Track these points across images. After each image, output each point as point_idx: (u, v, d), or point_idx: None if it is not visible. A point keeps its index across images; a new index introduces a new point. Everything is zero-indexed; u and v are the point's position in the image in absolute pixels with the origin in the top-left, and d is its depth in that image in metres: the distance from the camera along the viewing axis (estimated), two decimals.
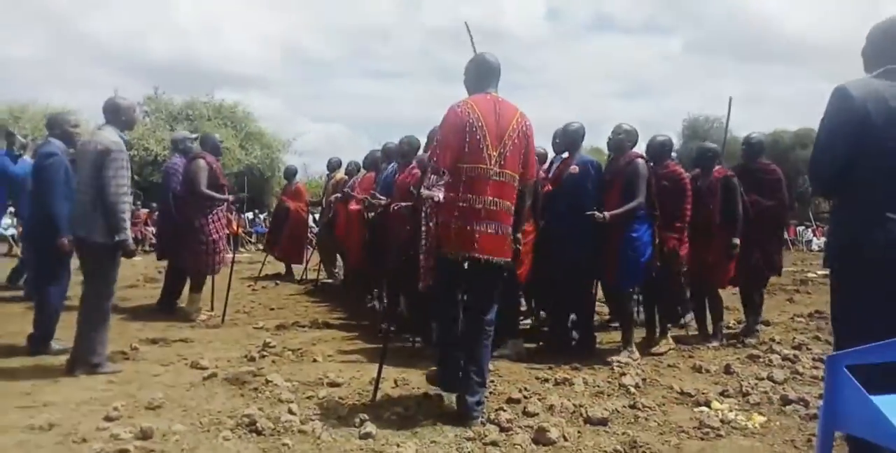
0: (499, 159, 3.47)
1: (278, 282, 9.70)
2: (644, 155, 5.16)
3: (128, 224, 4.32)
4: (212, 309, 6.62)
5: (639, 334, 5.35)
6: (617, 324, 5.88)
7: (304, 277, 9.81)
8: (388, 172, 6.44)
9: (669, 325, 6.10)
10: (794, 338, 5.63)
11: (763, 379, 4.28)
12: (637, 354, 4.92)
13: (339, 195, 8.15)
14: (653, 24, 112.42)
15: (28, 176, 5.73)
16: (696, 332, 5.84)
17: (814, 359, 4.83)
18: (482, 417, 3.43)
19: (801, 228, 27.82)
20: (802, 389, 4.06)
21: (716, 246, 5.40)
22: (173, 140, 7.61)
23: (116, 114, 4.46)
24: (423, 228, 4.26)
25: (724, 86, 75.77)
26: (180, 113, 27.48)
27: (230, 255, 7.00)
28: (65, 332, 5.06)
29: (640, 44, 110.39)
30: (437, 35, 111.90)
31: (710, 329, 5.68)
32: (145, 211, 17.96)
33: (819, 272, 12.25)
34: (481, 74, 3.63)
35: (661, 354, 5.12)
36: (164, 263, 7.27)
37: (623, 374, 4.34)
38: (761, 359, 4.83)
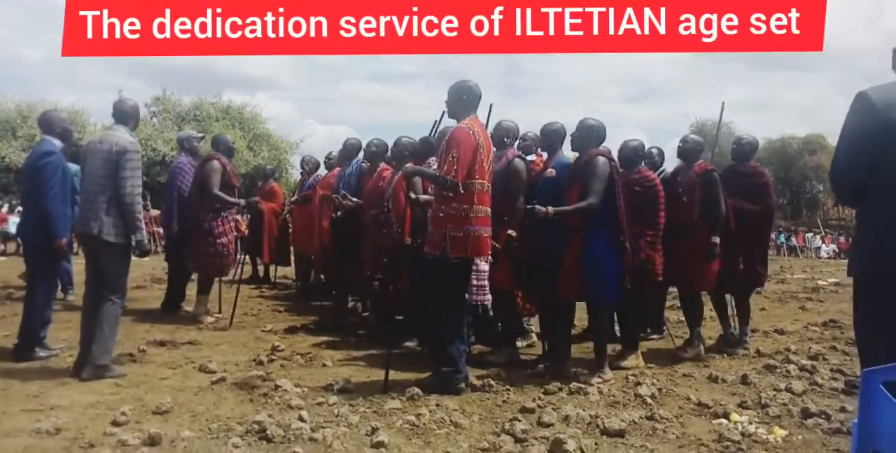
0: (488, 173, 4.10)
1: (277, 284, 9.59)
2: (609, 153, 4.63)
3: (142, 223, 4.33)
4: (219, 311, 6.56)
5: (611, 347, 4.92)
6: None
7: (296, 279, 9.53)
8: (350, 171, 6.36)
9: (655, 336, 5.97)
10: (810, 347, 5.52)
11: (781, 390, 4.18)
12: (610, 374, 4.47)
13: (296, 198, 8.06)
14: None
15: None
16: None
17: (832, 370, 4.72)
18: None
19: (809, 235, 27.73)
20: (823, 402, 3.96)
21: (695, 245, 5.01)
22: (179, 139, 7.58)
23: (126, 115, 4.51)
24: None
25: (733, 91, 75.68)
26: (188, 113, 27.67)
27: (237, 257, 6.91)
28: (61, 333, 5.05)
29: None
30: None
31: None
32: (156, 212, 17.88)
33: (830, 280, 12.13)
34: (472, 101, 4.13)
35: (627, 368, 4.72)
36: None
37: (638, 384, 4.25)
38: (778, 370, 4.72)
